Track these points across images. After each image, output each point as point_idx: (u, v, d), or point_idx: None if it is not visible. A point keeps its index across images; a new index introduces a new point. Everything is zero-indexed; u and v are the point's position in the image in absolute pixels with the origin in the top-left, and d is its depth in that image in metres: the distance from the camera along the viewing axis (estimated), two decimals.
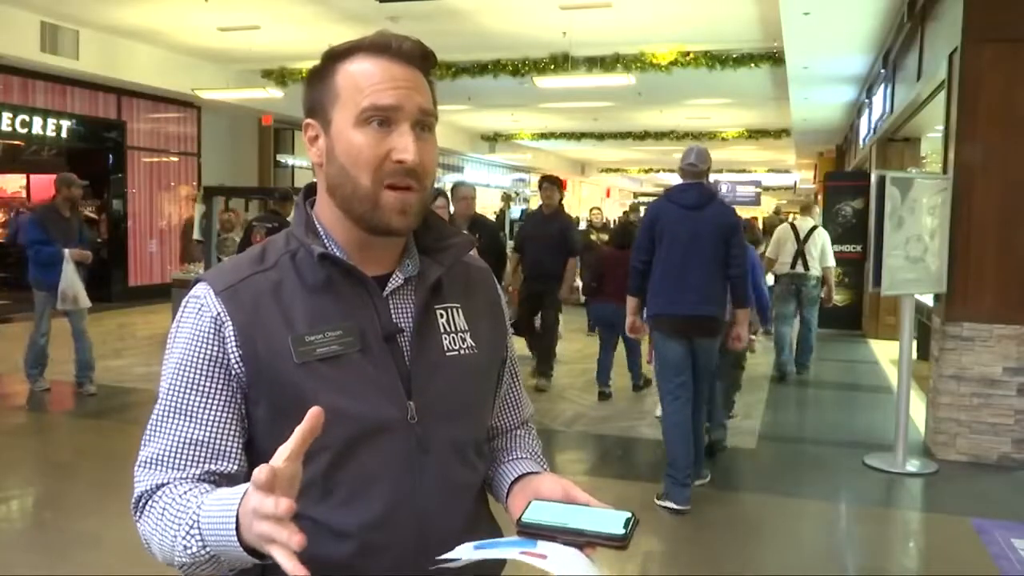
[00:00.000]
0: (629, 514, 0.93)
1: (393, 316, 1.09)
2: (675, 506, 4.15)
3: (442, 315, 1.13)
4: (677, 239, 4.18)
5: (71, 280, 6.03)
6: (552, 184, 6.93)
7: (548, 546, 0.90)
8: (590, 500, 1.00)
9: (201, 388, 1.03)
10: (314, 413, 0.84)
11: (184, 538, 0.92)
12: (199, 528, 0.91)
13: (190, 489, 0.99)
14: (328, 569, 1.03)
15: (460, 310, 1.15)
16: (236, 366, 1.03)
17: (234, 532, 0.87)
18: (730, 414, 5.75)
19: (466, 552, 0.93)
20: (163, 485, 1.01)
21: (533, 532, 0.93)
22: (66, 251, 6.03)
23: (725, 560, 3.71)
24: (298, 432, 0.84)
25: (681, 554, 3.80)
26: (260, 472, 0.81)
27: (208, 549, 0.91)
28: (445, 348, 1.11)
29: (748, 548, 3.87)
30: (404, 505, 1.05)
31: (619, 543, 0.90)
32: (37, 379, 6.36)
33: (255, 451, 1.05)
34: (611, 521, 0.92)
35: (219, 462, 1.03)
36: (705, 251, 4.16)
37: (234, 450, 1.04)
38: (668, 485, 4.19)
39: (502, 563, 0.93)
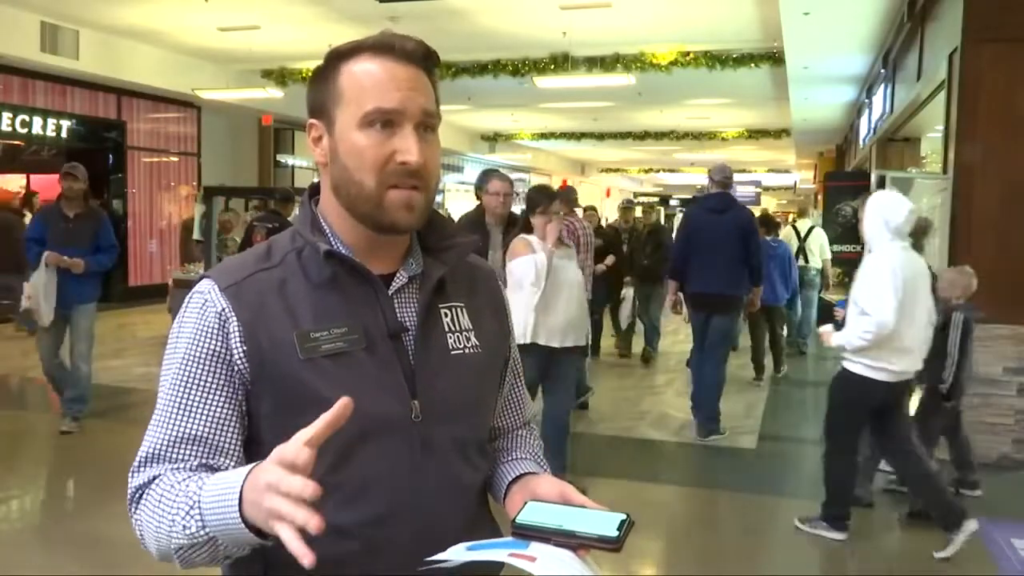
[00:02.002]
0: (624, 516, 0.93)
1: (398, 314, 1.09)
2: (697, 438, 5.48)
3: (446, 314, 1.13)
4: (703, 236, 5.40)
5: (34, 289, 4.99)
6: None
7: (540, 548, 0.89)
8: (586, 502, 1.00)
9: (203, 383, 1.03)
10: (343, 402, 0.83)
11: (184, 518, 0.92)
12: (200, 507, 0.91)
13: (189, 476, 0.99)
14: (330, 568, 1.03)
15: (464, 309, 1.16)
16: (239, 362, 1.03)
17: (236, 508, 0.86)
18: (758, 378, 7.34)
19: (458, 553, 0.92)
20: (159, 476, 1.00)
21: (527, 533, 0.93)
22: (44, 254, 5.04)
23: (725, 560, 3.71)
24: (323, 419, 0.83)
25: (681, 554, 3.80)
26: (288, 448, 0.80)
27: (207, 530, 0.90)
28: (449, 347, 1.11)
29: (748, 548, 3.87)
30: (406, 504, 1.05)
31: (612, 545, 0.90)
32: (67, 413, 5.31)
33: (257, 447, 1.05)
34: (605, 523, 0.92)
35: (216, 458, 1.02)
36: (725, 245, 5.32)
37: (232, 446, 1.04)
38: (693, 411, 5.67)
39: (501, 564, 0.93)
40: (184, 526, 0.91)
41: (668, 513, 4.27)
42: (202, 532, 0.91)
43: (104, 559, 3.51)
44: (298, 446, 0.80)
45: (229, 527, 0.88)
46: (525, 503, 1.00)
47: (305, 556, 0.77)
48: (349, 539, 1.02)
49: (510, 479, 1.16)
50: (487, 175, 4.84)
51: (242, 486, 0.87)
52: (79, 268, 5.10)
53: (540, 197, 4.09)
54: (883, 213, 3.55)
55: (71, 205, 5.21)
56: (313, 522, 0.77)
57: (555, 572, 0.85)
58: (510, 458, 1.22)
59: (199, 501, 0.91)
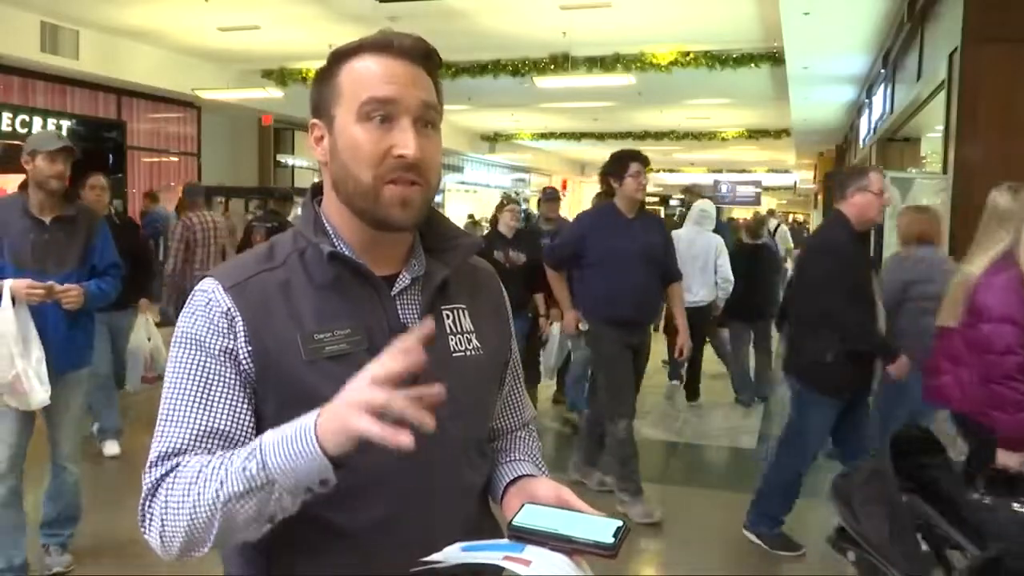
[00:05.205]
0: (620, 523, 0.93)
1: (400, 316, 1.09)
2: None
3: (448, 316, 1.13)
4: None
5: (7, 349, 2.87)
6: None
7: (535, 551, 0.89)
8: (583, 506, 1.00)
9: (220, 377, 1.02)
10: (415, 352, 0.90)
11: (244, 460, 0.92)
12: (260, 449, 0.92)
13: (225, 453, 0.98)
14: (333, 569, 1.03)
15: (466, 311, 1.16)
16: (245, 361, 1.03)
17: (312, 437, 0.89)
18: None
19: (453, 554, 0.92)
20: (182, 463, 0.99)
21: (523, 536, 0.93)
22: (5, 284, 2.89)
23: (725, 560, 3.70)
24: (398, 361, 0.88)
25: (681, 554, 3.80)
26: (384, 367, 0.87)
27: (268, 470, 0.90)
28: (451, 349, 1.12)
29: (748, 548, 3.86)
30: (408, 505, 1.05)
31: (607, 552, 0.90)
32: (50, 542, 3.42)
33: None
34: (601, 529, 0.92)
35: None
36: None
37: (250, 441, 1.03)
38: None
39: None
40: (244, 467, 0.92)
41: (668, 513, 4.26)
42: (262, 473, 0.91)
43: (102, 557, 3.51)
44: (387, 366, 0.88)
45: (297, 461, 0.89)
46: (522, 505, 1.00)
47: (403, 437, 0.84)
48: (351, 541, 1.02)
49: (507, 481, 1.16)
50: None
51: (316, 419, 0.90)
52: (75, 301, 3.01)
53: None
54: (693, 209, 6.44)
55: (48, 204, 3.11)
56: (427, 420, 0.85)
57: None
58: (508, 459, 1.22)
59: (260, 445, 0.92)
